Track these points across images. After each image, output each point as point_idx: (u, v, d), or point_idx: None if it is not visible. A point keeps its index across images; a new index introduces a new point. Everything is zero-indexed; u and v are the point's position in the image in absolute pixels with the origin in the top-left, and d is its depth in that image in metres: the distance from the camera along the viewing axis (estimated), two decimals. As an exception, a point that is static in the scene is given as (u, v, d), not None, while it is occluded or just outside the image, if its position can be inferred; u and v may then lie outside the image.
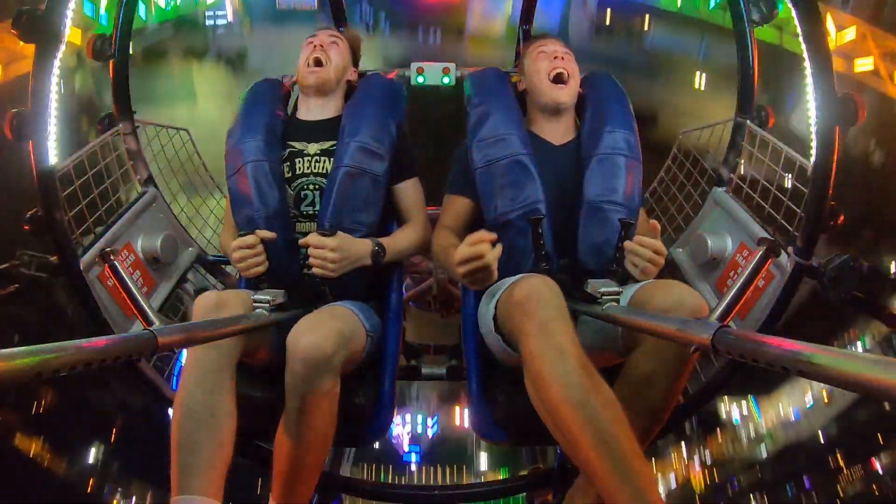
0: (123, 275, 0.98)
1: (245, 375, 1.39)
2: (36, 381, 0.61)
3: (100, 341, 0.70)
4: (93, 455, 6.82)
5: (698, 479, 8.30)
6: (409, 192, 1.72)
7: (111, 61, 1.86)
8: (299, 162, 1.65)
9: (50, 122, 1.51)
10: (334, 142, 1.65)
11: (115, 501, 6.81)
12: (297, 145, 1.68)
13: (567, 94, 1.65)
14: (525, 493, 2.12)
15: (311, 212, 1.63)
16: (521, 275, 1.35)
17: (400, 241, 1.65)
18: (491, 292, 1.46)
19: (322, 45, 1.73)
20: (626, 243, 1.35)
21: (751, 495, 7.74)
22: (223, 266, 2.42)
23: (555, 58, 1.67)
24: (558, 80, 1.65)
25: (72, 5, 1.51)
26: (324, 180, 1.63)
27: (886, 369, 0.51)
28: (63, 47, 1.50)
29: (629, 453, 0.97)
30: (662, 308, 1.19)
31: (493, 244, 1.20)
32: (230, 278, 2.42)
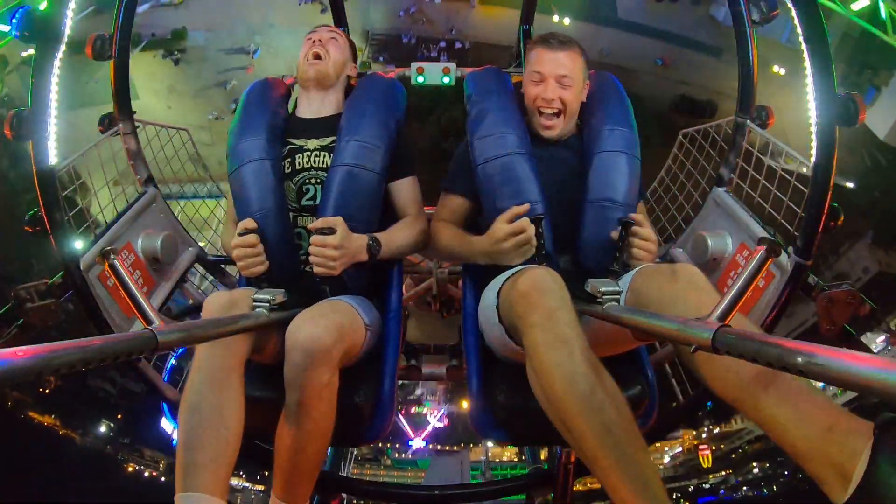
0: (124, 274, 0.98)
1: (247, 375, 1.39)
2: (37, 379, 0.61)
3: (100, 340, 0.70)
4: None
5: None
6: (407, 189, 1.72)
7: (111, 61, 1.86)
8: (299, 157, 1.66)
9: (50, 122, 1.51)
10: (333, 137, 1.65)
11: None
12: (297, 142, 1.68)
13: (555, 130, 1.60)
14: (525, 493, 2.12)
15: (312, 205, 1.64)
16: (524, 266, 1.35)
17: (396, 236, 1.64)
18: (493, 283, 1.46)
19: (321, 41, 1.74)
20: (633, 240, 1.44)
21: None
22: (223, 266, 2.42)
23: (545, 98, 1.56)
24: (547, 116, 1.59)
25: (72, 5, 1.51)
26: (324, 174, 1.63)
27: (886, 369, 0.51)
28: (63, 47, 1.51)
29: (633, 445, 0.97)
30: (664, 279, 1.21)
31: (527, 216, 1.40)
32: (230, 278, 2.43)
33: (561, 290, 1.16)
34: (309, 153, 1.66)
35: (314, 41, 1.74)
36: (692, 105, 13.91)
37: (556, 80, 1.56)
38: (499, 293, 1.32)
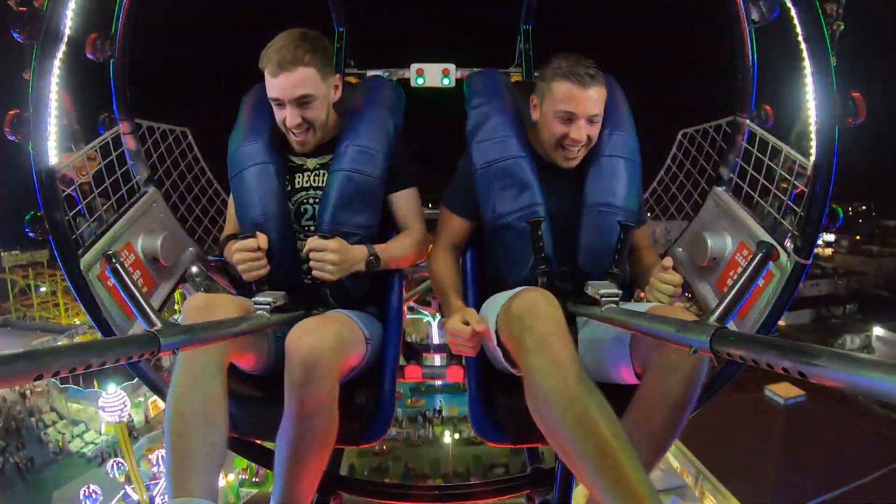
0: (126, 276, 0.98)
1: (247, 377, 1.39)
2: (37, 381, 0.61)
3: (102, 342, 0.70)
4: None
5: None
6: (407, 201, 1.70)
7: (111, 61, 1.86)
8: (299, 176, 1.65)
9: (50, 122, 1.51)
10: (332, 155, 1.63)
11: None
12: (297, 160, 1.66)
13: (576, 162, 1.55)
14: (525, 493, 2.12)
15: (311, 226, 1.63)
16: (519, 288, 1.36)
17: (395, 249, 1.64)
18: (492, 303, 1.46)
19: (294, 122, 1.50)
20: (652, 280, 1.39)
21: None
22: (223, 266, 2.41)
23: (575, 139, 1.48)
24: (569, 154, 1.52)
25: (72, 5, 1.51)
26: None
27: (886, 370, 0.51)
28: (63, 47, 1.51)
29: (629, 467, 0.98)
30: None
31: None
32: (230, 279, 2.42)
33: (556, 313, 1.18)
34: (309, 172, 1.65)
35: (286, 116, 1.49)
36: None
37: (588, 119, 1.47)
38: (497, 318, 1.34)
